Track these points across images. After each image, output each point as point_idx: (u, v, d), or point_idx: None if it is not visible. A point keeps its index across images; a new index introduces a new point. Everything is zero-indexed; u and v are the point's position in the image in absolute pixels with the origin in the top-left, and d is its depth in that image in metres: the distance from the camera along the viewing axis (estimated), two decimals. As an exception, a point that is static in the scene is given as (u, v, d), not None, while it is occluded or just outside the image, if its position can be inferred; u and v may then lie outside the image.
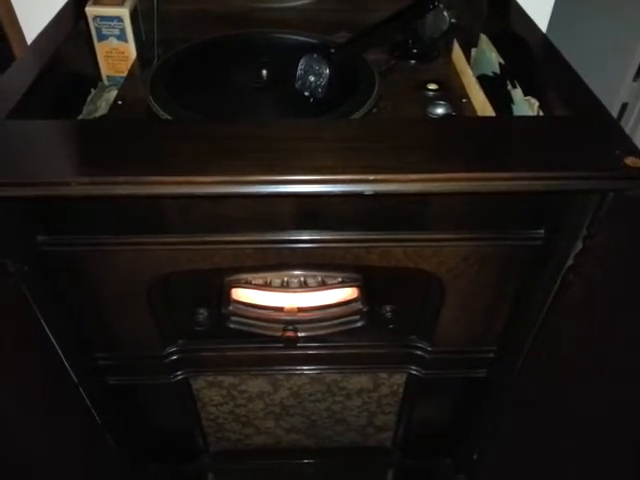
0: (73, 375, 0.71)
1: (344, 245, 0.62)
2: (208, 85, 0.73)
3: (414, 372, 0.81)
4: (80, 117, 0.72)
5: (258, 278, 0.67)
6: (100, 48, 0.78)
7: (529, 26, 0.77)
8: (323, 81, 0.65)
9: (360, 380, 0.85)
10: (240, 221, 0.60)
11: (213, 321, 0.72)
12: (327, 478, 1.05)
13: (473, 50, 0.82)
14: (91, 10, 0.75)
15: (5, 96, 0.59)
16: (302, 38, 0.79)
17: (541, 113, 0.64)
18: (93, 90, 0.78)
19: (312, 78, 0.65)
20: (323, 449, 1.00)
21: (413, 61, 0.80)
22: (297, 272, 0.67)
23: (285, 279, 0.67)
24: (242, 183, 0.48)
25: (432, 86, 0.74)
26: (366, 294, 0.70)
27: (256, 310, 0.71)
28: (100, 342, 0.74)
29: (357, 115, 0.64)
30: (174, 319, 0.73)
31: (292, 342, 0.73)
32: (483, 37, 0.78)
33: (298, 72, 0.67)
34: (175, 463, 1.03)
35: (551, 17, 0.98)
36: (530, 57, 0.70)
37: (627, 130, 0.93)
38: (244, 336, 0.73)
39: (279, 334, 0.72)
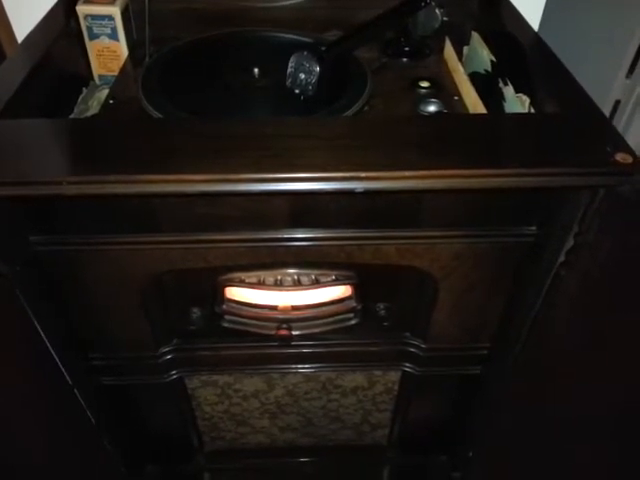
0: (67, 376, 0.71)
1: (337, 243, 0.62)
2: (199, 83, 0.73)
3: (408, 369, 0.82)
4: (72, 116, 0.72)
5: (252, 277, 0.67)
6: (91, 47, 0.77)
7: (521, 24, 0.77)
8: (313, 79, 0.65)
9: (355, 378, 0.85)
10: (233, 220, 0.60)
11: (207, 320, 0.72)
12: (323, 476, 1.06)
13: (465, 48, 0.82)
14: (82, 9, 0.74)
15: (-4, 95, 0.59)
16: (293, 36, 0.79)
17: (532, 110, 0.64)
18: (85, 89, 0.77)
19: (302, 76, 0.65)
20: (319, 447, 1.00)
21: (405, 59, 0.81)
22: (291, 270, 0.67)
23: (279, 277, 0.67)
24: (234, 181, 0.48)
25: (424, 84, 0.74)
26: (360, 292, 0.70)
27: (250, 309, 0.71)
28: (94, 342, 0.74)
29: (349, 113, 0.64)
30: (168, 318, 0.73)
31: (286, 340, 0.73)
32: (475, 35, 0.78)
33: (288, 70, 0.67)
34: (171, 463, 1.03)
35: (543, 14, 0.98)
36: (521, 55, 0.70)
37: (620, 127, 0.93)
38: (238, 335, 0.73)
39: (273, 332, 0.72)
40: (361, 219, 0.60)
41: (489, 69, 0.73)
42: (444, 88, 0.74)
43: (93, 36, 0.77)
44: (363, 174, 0.48)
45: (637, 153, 0.50)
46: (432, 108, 0.69)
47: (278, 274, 0.67)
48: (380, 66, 0.78)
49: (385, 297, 0.72)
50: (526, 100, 0.65)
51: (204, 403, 0.88)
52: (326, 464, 1.04)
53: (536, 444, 0.78)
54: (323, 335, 0.75)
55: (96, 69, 0.79)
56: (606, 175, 0.50)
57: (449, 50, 0.79)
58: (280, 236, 0.61)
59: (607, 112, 0.87)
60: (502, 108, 0.69)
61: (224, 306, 0.69)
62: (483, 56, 0.74)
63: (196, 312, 0.72)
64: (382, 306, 0.73)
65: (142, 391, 0.84)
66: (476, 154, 0.52)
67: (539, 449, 0.79)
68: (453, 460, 1.01)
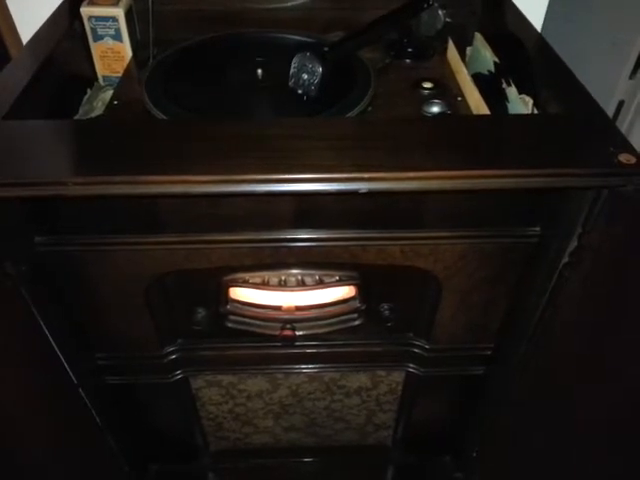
0: (72, 375, 0.71)
1: (341, 243, 0.62)
2: (203, 84, 0.74)
3: (412, 370, 0.82)
4: (76, 117, 0.72)
5: (256, 277, 0.68)
6: (95, 48, 0.78)
7: (524, 25, 0.77)
8: (316, 79, 0.65)
9: (359, 378, 0.85)
10: (237, 220, 0.60)
11: (211, 320, 0.72)
12: (327, 476, 1.06)
13: (468, 49, 0.82)
14: (86, 10, 0.75)
15: (1, 97, 0.59)
16: (297, 37, 0.79)
17: (535, 111, 0.64)
18: (89, 90, 0.78)
19: (305, 76, 0.65)
20: (322, 448, 1.00)
21: (408, 60, 0.81)
22: (295, 271, 0.67)
23: (283, 278, 0.67)
24: (237, 182, 0.48)
25: (427, 85, 0.74)
26: (363, 292, 0.70)
27: (254, 309, 0.71)
28: (99, 342, 0.75)
29: (353, 113, 0.65)
30: (172, 318, 0.73)
31: (290, 341, 0.73)
32: (478, 36, 0.78)
33: (291, 70, 0.67)
34: (175, 463, 1.03)
35: (546, 15, 0.98)
36: (524, 55, 0.70)
37: (623, 127, 0.94)
38: (242, 335, 0.74)
39: (277, 333, 0.72)
40: (365, 220, 0.61)
41: (492, 70, 0.73)
42: (447, 89, 0.75)
43: (97, 37, 0.77)
44: (367, 175, 0.48)
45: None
46: (435, 109, 0.69)
47: (282, 274, 0.67)
48: (383, 67, 0.78)
49: (389, 297, 0.73)
50: (529, 101, 0.65)
51: (208, 403, 0.89)
52: (330, 464, 1.05)
53: (539, 445, 0.78)
54: (327, 335, 0.75)
55: (100, 70, 0.80)
56: (609, 176, 0.50)
57: (452, 51, 0.79)
58: (284, 236, 0.62)
59: (610, 113, 0.87)
60: (505, 109, 0.69)
61: (228, 306, 0.70)
62: (486, 57, 0.74)
63: (200, 312, 0.72)
64: (386, 306, 0.73)
65: (147, 391, 0.84)
66: (480, 155, 0.52)
67: (542, 450, 0.79)
68: (457, 460, 1.01)
